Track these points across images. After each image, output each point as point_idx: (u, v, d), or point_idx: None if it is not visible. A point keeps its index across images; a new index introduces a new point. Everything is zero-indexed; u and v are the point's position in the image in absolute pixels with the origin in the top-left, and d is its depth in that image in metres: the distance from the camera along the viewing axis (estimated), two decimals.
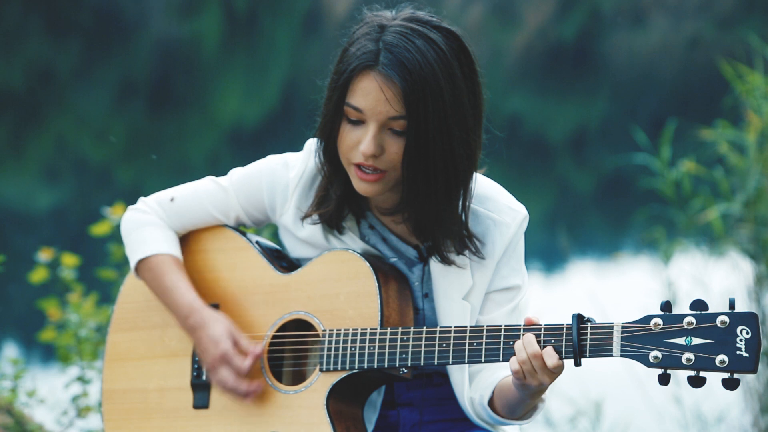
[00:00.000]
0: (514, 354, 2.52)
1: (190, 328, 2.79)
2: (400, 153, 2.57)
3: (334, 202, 2.71)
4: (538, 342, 2.51)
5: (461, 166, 2.60)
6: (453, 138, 2.57)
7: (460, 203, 2.65)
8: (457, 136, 2.57)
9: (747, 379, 6.23)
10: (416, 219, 2.66)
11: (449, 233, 2.65)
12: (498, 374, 2.68)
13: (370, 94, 2.56)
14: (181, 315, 2.81)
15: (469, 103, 2.59)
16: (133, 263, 2.88)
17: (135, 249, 2.88)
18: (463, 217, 2.66)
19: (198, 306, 2.79)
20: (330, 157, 2.67)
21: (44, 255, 5.64)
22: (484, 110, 2.64)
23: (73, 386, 5.35)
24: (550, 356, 2.48)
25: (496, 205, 2.71)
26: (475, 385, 2.70)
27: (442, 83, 2.54)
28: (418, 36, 2.55)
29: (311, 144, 2.81)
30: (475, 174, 2.67)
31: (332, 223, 2.74)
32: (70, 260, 5.61)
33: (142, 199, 2.95)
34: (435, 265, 2.72)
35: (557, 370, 2.50)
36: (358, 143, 2.58)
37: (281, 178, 2.80)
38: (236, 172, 2.88)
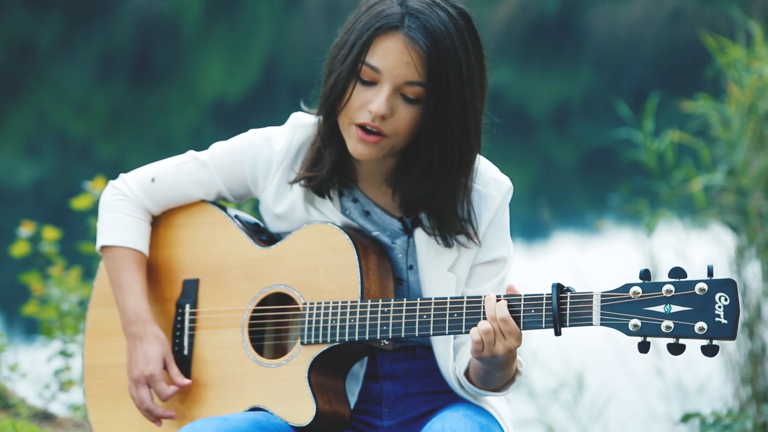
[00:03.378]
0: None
1: (130, 335, 2.82)
2: (408, 120, 2.57)
3: (327, 165, 2.70)
4: (515, 313, 2.51)
5: (474, 142, 2.62)
6: (468, 112, 2.57)
7: (464, 193, 2.66)
8: (471, 110, 2.58)
9: (728, 350, 6.26)
10: (428, 194, 2.64)
11: (455, 211, 2.65)
12: None
13: (391, 56, 2.54)
14: (126, 318, 2.83)
15: (478, 83, 2.60)
16: (98, 245, 2.91)
17: (104, 232, 2.90)
18: (465, 201, 2.66)
19: (145, 318, 2.81)
20: (331, 117, 2.65)
21: (25, 229, 5.63)
22: (486, 94, 2.65)
23: (55, 360, 5.34)
24: (501, 310, 2.48)
25: (481, 177, 2.71)
26: (458, 357, 2.71)
27: (461, 56, 2.55)
28: (440, 8, 2.56)
29: (296, 118, 2.79)
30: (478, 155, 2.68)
31: (321, 189, 2.73)
32: (51, 234, 5.59)
33: (122, 176, 2.93)
34: (420, 236, 2.71)
35: (505, 326, 2.48)
36: (367, 103, 2.57)
37: (263, 153, 2.79)
38: (218, 147, 2.86)
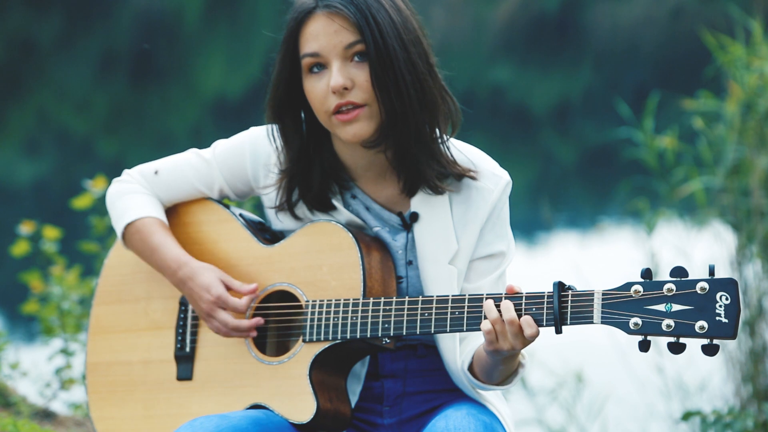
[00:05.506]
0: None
1: (181, 281, 2.80)
2: (369, 79, 2.60)
3: (316, 180, 2.74)
4: (518, 311, 2.51)
5: (426, 83, 2.62)
6: (411, 53, 2.60)
7: (439, 138, 2.67)
8: (414, 52, 2.61)
9: (729, 348, 6.26)
10: (398, 146, 2.66)
11: (432, 160, 2.66)
12: (479, 340, 2.69)
13: (320, 33, 2.60)
14: (171, 269, 2.81)
15: (414, 23, 2.64)
16: (120, 229, 2.88)
17: (121, 215, 2.88)
18: (443, 148, 2.67)
19: (187, 259, 2.80)
20: (278, 116, 2.70)
21: (26, 228, 5.63)
22: (427, 35, 2.68)
23: (56, 359, 5.35)
24: (529, 326, 2.49)
25: (479, 171, 2.72)
26: (461, 351, 2.72)
27: (386, 5, 2.60)
28: None
29: None
30: (445, 117, 2.69)
31: (323, 203, 2.75)
32: (51, 233, 5.60)
33: (126, 171, 2.95)
34: (419, 231, 2.72)
35: (531, 339, 2.51)
36: (328, 87, 2.60)
37: (264, 150, 2.81)
38: (219, 145, 2.88)
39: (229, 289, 2.77)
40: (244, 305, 2.73)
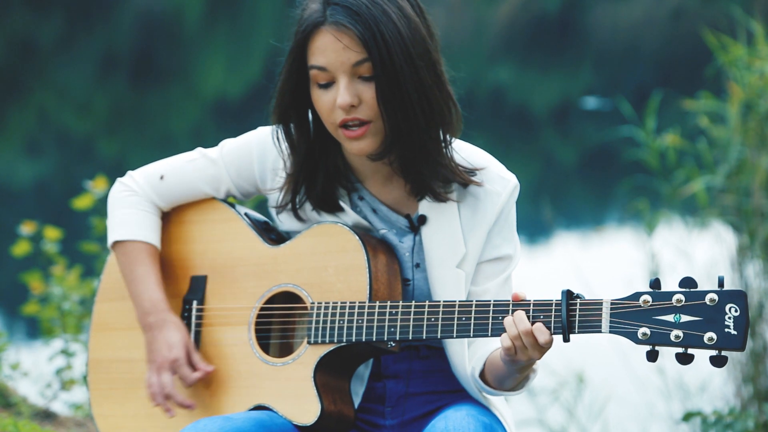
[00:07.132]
0: (502, 329, 2.53)
1: (148, 325, 2.81)
2: (376, 97, 2.59)
3: (320, 183, 2.73)
4: (528, 318, 2.51)
5: (433, 96, 2.62)
6: (419, 68, 2.59)
7: (444, 146, 2.66)
8: (422, 66, 2.59)
9: None
10: (403, 158, 2.66)
11: (437, 169, 2.66)
12: (489, 346, 2.69)
13: (328, 50, 2.59)
14: (143, 309, 2.82)
15: (427, 35, 2.63)
16: (110, 241, 2.89)
17: (116, 227, 2.88)
18: (448, 158, 2.66)
19: (162, 307, 2.81)
20: (284, 122, 2.69)
21: (26, 228, 5.64)
22: (439, 46, 2.67)
23: (56, 359, 5.35)
24: (541, 332, 2.49)
25: (486, 174, 2.72)
26: (471, 356, 2.71)
27: (395, 17, 2.58)
28: None
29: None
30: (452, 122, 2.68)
31: (330, 204, 2.75)
32: (52, 234, 5.60)
33: (130, 173, 2.94)
34: (427, 234, 2.72)
35: (547, 346, 2.51)
36: (335, 101, 2.60)
37: (272, 151, 2.80)
38: (227, 144, 2.87)
39: (189, 355, 2.79)
40: (192, 379, 2.76)
